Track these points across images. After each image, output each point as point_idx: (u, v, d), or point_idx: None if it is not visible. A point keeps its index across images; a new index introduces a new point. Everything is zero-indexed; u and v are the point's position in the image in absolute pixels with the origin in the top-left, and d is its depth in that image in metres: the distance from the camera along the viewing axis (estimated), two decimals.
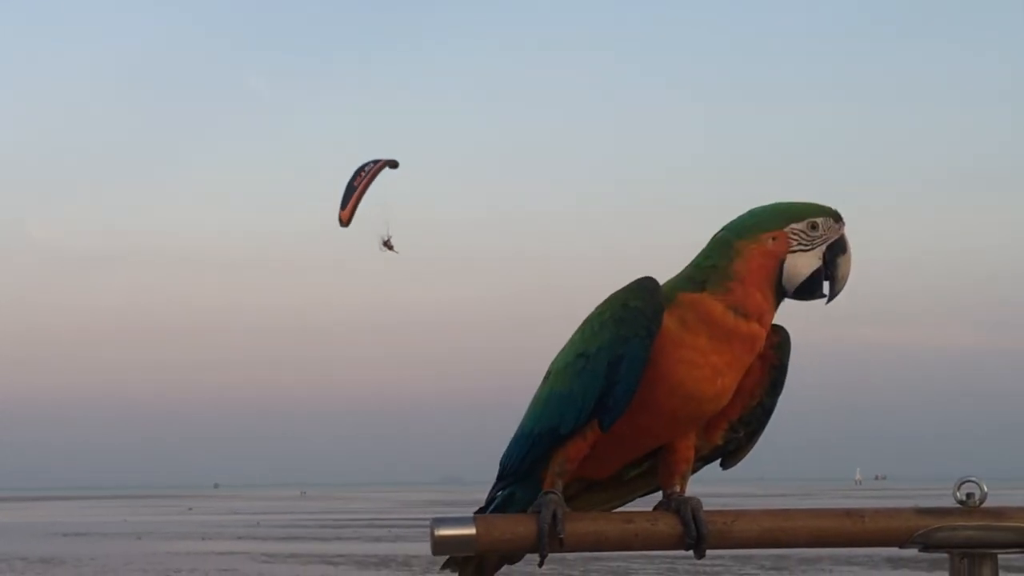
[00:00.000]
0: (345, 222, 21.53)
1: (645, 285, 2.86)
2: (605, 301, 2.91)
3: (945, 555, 2.80)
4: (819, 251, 2.88)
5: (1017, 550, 2.77)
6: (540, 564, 3.02)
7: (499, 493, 3.08)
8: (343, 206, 21.41)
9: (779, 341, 2.97)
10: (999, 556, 2.78)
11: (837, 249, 2.89)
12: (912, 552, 2.87)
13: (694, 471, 3.04)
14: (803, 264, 2.87)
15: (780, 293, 2.89)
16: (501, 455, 3.10)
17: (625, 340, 2.82)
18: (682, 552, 2.87)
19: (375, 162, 20.72)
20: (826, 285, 2.91)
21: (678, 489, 2.92)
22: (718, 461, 3.09)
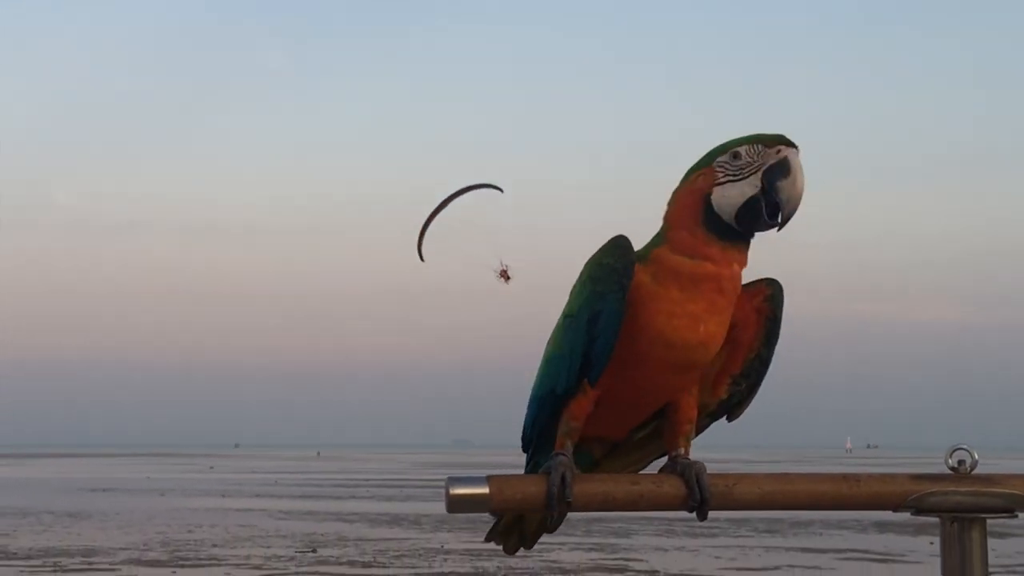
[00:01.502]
0: (420, 255, 20.59)
1: (617, 243, 2.87)
2: (585, 263, 2.92)
3: (934, 520, 2.81)
4: (752, 179, 2.82)
5: (1005, 515, 2.79)
6: (550, 522, 3.05)
7: (527, 465, 3.09)
8: (420, 238, 20.34)
9: (772, 292, 2.97)
10: (988, 521, 2.80)
11: (776, 173, 2.81)
12: (899, 516, 2.88)
13: (704, 428, 3.07)
14: (731, 194, 2.82)
15: (724, 228, 2.83)
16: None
17: (601, 296, 2.84)
18: (680, 514, 2.89)
19: (469, 188, 19.54)
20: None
21: (682, 451, 2.94)
22: (724, 421, 3.11)
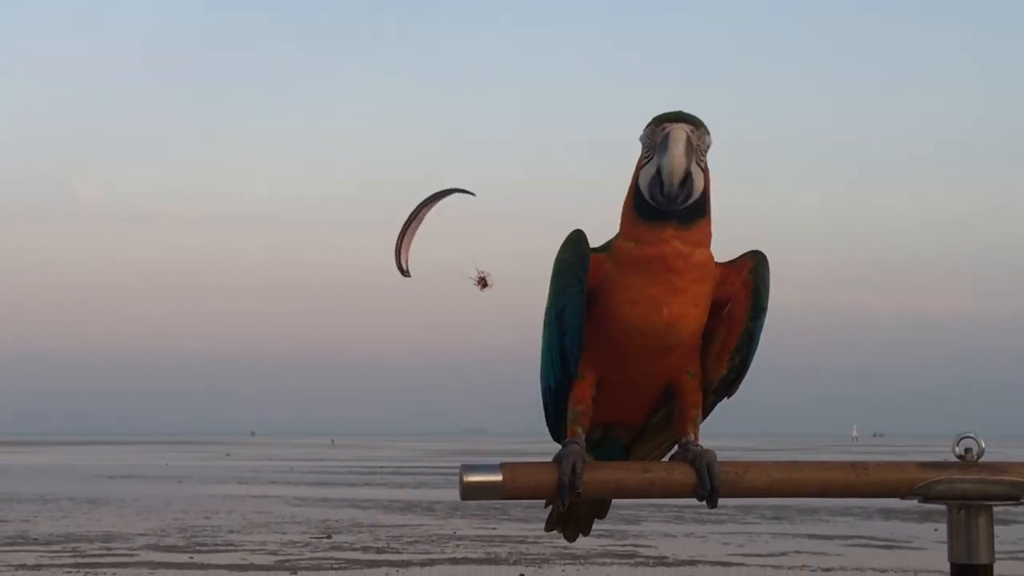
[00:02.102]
0: (405, 272, 19.85)
1: (571, 238, 2.94)
2: None
3: (939, 507, 2.81)
4: (654, 159, 2.86)
5: (1011, 502, 2.79)
6: (562, 508, 3.07)
7: None
8: (396, 254, 19.60)
9: (754, 264, 2.98)
10: (994, 508, 2.80)
11: (660, 150, 2.84)
12: (904, 504, 2.88)
13: (712, 407, 3.08)
14: (644, 176, 2.87)
15: (652, 209, 2.86)
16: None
17: (563, 291, 2.93)
18: (689, 501, 2.89)
19: (437, 195, 18.90)
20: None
21: (692, 437, 2.96)
22: (733, 408, 3.13)
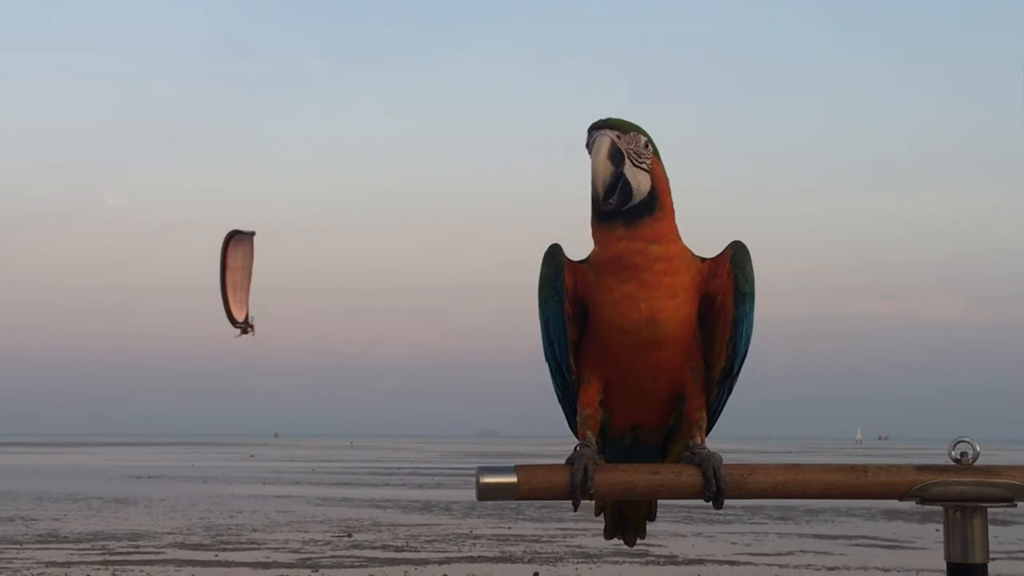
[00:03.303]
0: (239, 325, 19.14)
1: (547, 252, 3.03)
2: None
3: (939, 508, 2.83)
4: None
5: (1006, 504, 2.81)
6: (574, 510, 3.10)
7: None
8: (227, 312, 18.92)
9: (733, 253, 3.02)
10: (988, 509, 2.82)
11: (591, 156, 2.96)
12: (907, 505, 2.90)
13: (719, 398, 3.10)
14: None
15: (603, 212, 2.95)
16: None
17: (545, 303, 3.01)
18: (698, 502, 2.92)
19: (228, 244, 18.29)
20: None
21: (698, 440, 2.99)
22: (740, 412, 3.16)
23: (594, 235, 2.98)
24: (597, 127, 2.94)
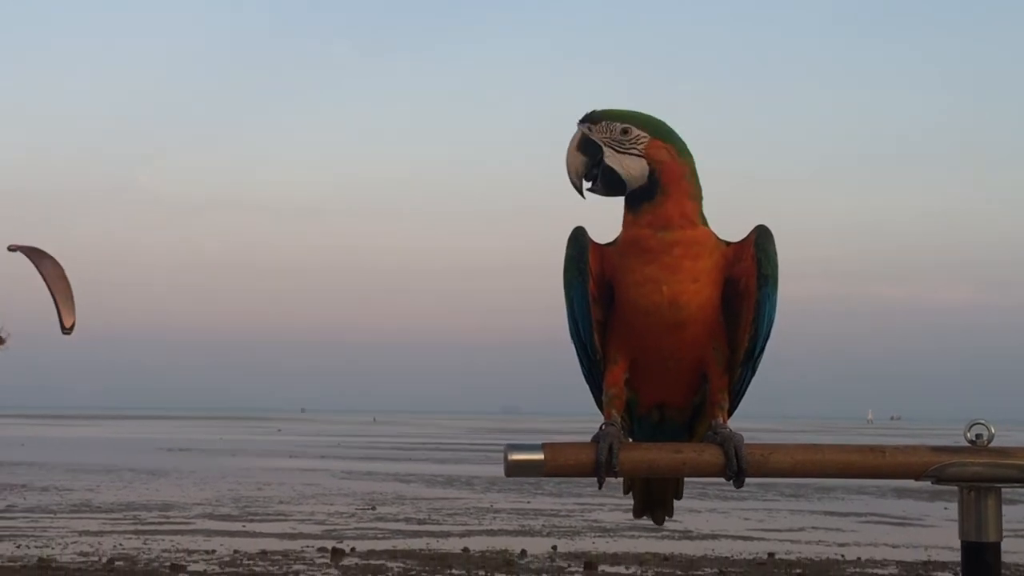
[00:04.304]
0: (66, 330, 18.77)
1: (572, 233, 3.04)
2: None
3: (953, 488, 2.84)
4: None
5: (1019, 484, 2.82)
6: (599, 487, 3.10)
7: None
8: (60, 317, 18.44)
9: (756, 237, 3.01)
10: (1003, 490, 2.83)
11: None
12: (917, 484, 2.91)
13: (743, 379, 3.09)
14: None
15: (628, 196, 2.99)
16: None
17: (570, 283, 3.02)
18: (713, 479, 2.93)
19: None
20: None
21: (720, 420, 2.99)
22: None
23: (623, 220, 3.00)
24: (581, 120, 3.00)
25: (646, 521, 3.37)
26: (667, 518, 3.35)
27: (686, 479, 3.14)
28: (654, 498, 3.29)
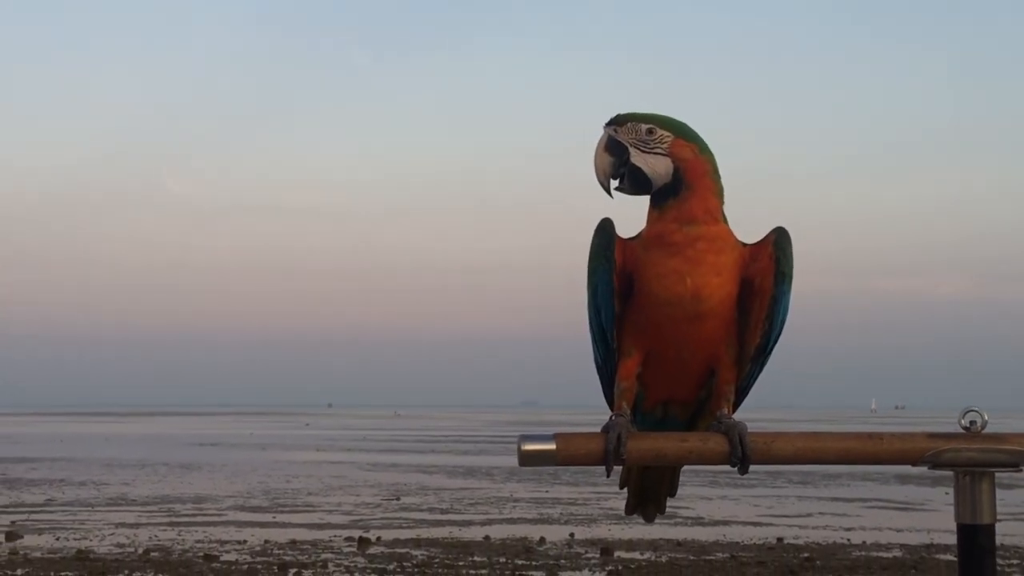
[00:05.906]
0: None
1: (599, 225, 3.04)
2: None
3: (950, 473, 2.85)
4: None
5: (1012, 469, 2.83)
6: (607, 476, 3.11)
7: None
8: None
9: (775, 239, 3.02)
10: (996, 474, 2.83)
11: None
12: (918, 470, 2.91)
13: (751, 375, 3.11)
14: None
15: (653, 194, 3.01)
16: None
17: (595, 272, 3.02)
18: (723, 468, 2.94)
19: None
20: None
21: (725, 411, 3.01)
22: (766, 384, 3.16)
23: (648, 215, 3.02)
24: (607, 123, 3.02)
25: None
26: (658, 515, 3.36)
27: (696, 468, 3.16)
28: (648, 494, 3.29)
